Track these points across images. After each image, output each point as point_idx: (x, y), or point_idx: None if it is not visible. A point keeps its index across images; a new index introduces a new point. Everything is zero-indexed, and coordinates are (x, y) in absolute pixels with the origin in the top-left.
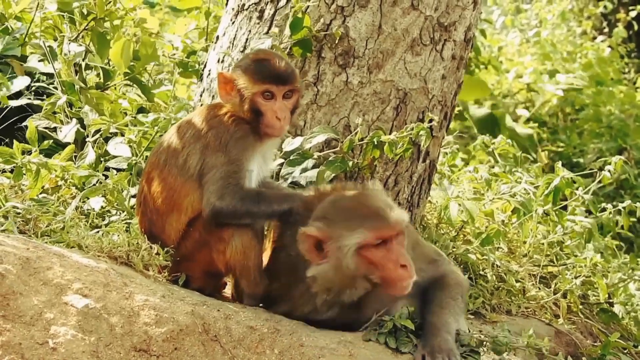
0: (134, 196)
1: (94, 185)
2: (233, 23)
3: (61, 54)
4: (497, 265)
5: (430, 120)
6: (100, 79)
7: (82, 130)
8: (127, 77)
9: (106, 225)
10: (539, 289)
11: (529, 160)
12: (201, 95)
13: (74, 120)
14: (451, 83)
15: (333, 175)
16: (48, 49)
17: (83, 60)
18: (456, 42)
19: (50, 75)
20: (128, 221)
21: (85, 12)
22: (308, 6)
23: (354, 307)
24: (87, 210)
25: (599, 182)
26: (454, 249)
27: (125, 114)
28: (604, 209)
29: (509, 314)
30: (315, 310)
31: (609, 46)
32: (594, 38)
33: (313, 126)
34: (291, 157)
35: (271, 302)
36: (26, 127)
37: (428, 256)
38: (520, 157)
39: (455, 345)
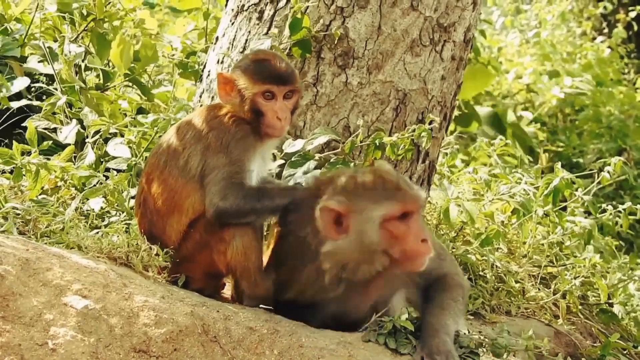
0: (133, 197)
1: (94, 186)
2: (232, 24)
3: (61, 55)
4: (496, 265)
5: (431, 122)
6: (100, 80)
7: (81, 131)
8: (126, 78)
9: (106, 226)
10: (539, 289)
11: (529, 161)
12: (201, 96)
13: (74, 121)
14: (451, 84)
15: None
16: (48, 49)
17: (83, 61)
18: (456, 43)
19: (50, 76)
20: (128, 222)
21: (85, 13)
22: (307, 7)
23: (360, 286)
24: (87, 211)
25: (599, 183)
26: (454, 250)
27: (125, 114)
28: (603, 210)
29: (509, 314)
30: (323, 289)
31: (609, 47)
32: (594, 39)
33: (312, 127)
34: (292, 159)
35: (278, 291)
36: (26, 128)
37: (432, 261)
38: (520, 157)
39: (454, 346)
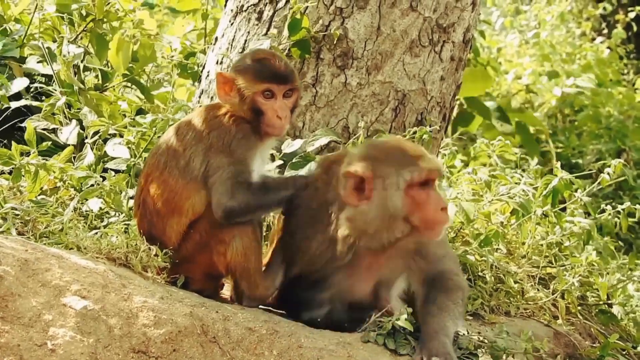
0: (132, 197)
1: (93, 186)
2: (232, 24)
3: (60, 55)
4: (495, 266)
5: (431, 125)
6: (99, 80)
7: (81, 131)
8: (126, 79)
9: (105, 226)
10: (538, 290)
11: (527, 161)
12: (200, 97)
13: (74, 121)
14: (450, 84)
15: None
16: (47, 50)
17: (82, 61)
18: (455, 44)
19: (49, 77)
20: (127, 222)
21: (84, 14)
22: (307, 7)
23: (367, 261)
24: (86, 211)
25: (598, 183)
26: (453, 250)
27: (124, 115)
28: (602, 211)
29: (508, 315)
30: (332, 259)
31: (608, 47)
32: (593, 39)
33: (312, 127)
34: (294, 160)
35: (285, 268)
36: (25, 128)
37: (438, 249)
38: (519, 157)
39: (453, 348)
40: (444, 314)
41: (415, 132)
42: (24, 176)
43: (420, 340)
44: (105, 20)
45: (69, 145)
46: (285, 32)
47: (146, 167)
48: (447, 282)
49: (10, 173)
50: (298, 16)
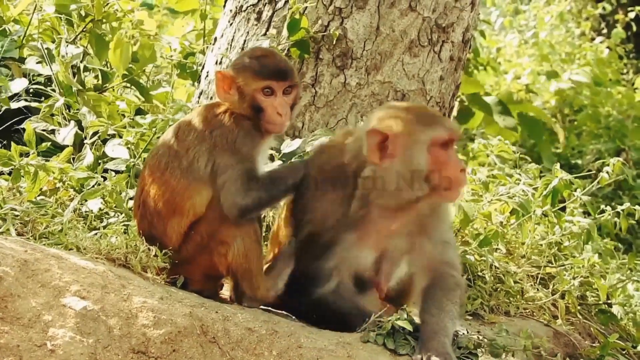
0: (132, 198)
1: (92, 187)
2: (231, 24)
3: (59, 56)
4: (495, 266)
5: None
6: (98, 81)
7: (80, 132)
8: (125, 79)
9: (104, 227)
10: (538, 290)
11: (527, 161)
12: (199, 97)
13: (72, 122)
14: (449, 84)
15: None
16: (46, 51)
17: (81, 62)
18: (454, 44)
19: (48, 78)
20: (126, 223)
21: (83, 14)
22: (306, 7)
23: (377, 226)
24: (85, 212)
25: (598, 183)
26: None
27: (123, 115)
28: (602, 211)
29: (508, 315)
30: (346, 215)
31: (608, 47)
32: (593, 39)
33: (311, 128)
34: (293, 160)
35: (296, 230)
36: (24, 129)
37: (444, 233)
38: (517, 158)
39: (452, 348)
40: (443, 314)
41: None
42: (23, 177)
43: (419, 340)
44: (104, 20)
45: (67, 146)
46: (285, 33)
47: (146, 168)
48: (447, 280)
49: (9, 174)
50: (297, 16)
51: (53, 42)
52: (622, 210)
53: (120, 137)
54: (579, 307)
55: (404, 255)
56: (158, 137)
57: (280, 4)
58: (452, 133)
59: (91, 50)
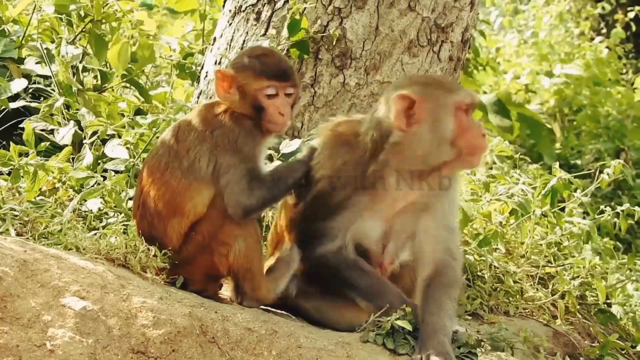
0: (131, 198)
1: (92, 187)
2: (230, 25)
3: (58, 56)
4: (495, 266)
5: None
6: (97, 81)
7: (79, 132)
8: (124, 79)
9: (104, 227)
10: (537, 290)
11: (527, 162)
12: (198, 97)
13: (71, 122)
14: None
15: None
16: (45, 51)
17: (80, 62)
18: (453, 44)
19: (47, 78)
20: (126, 223)
21: (83, 14)
22: (305, 8)
23: (388, 200)
24: (85, 212)
25: (597, 184)
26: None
27: (123, 115)
28: (602, 211)
29: (507, 314)
30: (362, 176)
31: (607, 47)
32: (592, 39)
33: (310, 128)
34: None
35: (306, 184)
36: (23, 129)
37: (450, 218)
38: (517, 158)
39: (452, 347)
40: (442, 313)
41: None
42: (22, 177)
43: (419, 339)
44: (103, 21)
45: (67, 146)
46: (284, 33)
47: (145, 168)
48: (448, 273)
49: (9, 174)
50: (297, 17)
51: (52, 42)
52: (622, 211)
53: (120, 137)
54: (578, 307)
55: (409, 238)
56: (157, 137)
57: (279, 4)
58: (473, 98)
59: (90, 50)
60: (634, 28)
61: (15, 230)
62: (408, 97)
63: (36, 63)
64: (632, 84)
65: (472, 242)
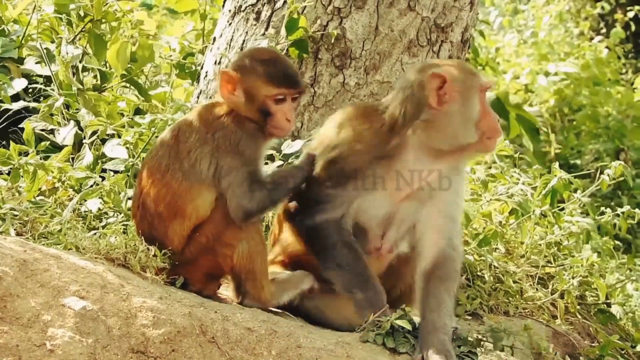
0: (130, 198)
1: (91, 187)
2: (230, 24)
3: (58, 56)
4: (494, 266)
5: None
6: (97, 81)
7: (79, 132)
8: (124, 79)
9: (103, 227)
10: (537, 289)
11: (526, 161)
12: (198, 97)
13: (72, 122)
14: None
15: None
16: (45, 51)
17: (80, 62)
18: (453, 43)
19: (47, 78)
20: (125, 223)
21: (82, 14)
22: (305, 7)
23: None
24: (85, 212)
25: (597, 185)
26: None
27: (122, 115)
28: (602, 213)
29: (507, 314)
30: (380, 146)
31: (607, 47)
32: (591, 39)
33: (310, 128)
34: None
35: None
36: (23, 129)
37: (455, 213)
38: (517, 158)
39: (452, 345)
40: (442, 310)
41: None
42: (22, 176)
43: (419, 338)
44: (103, 20)
45: (66, 145)
46: (283, 32)
47: (145, 169)
48: (448, 267)
49: (8, 173)
50: (295, 16)
51: (52, 42)
52: (622, 212)
53: (119, 137)
54: (578, 307)
55: (409, 229)
56: (157, 137)
57: (279, 4)
58: (490, 83)
59: (90, 50)
60: (633, 28)
61: (15, 230)
62: (441, 76)
63: (36, 63)
64: (632, 84)
65: (471, 242)
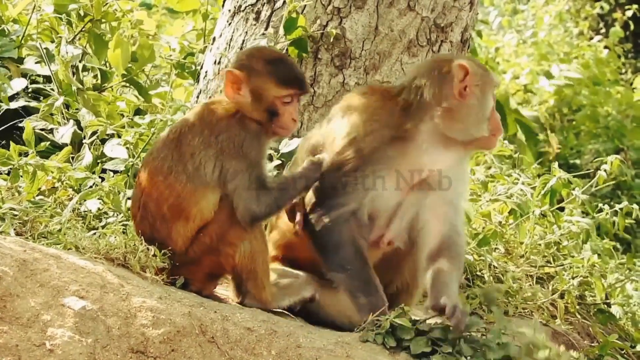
0: (130, 198)
1: (91, 187)
2: (230, 24)
3: (58, 56)
4: (494, 266)
5: None
6: (97, 81)
7: (79, 132)
8: (124, 79)
9: (103, 227)
10: (536, 289)
11: (525, 161)
12: (198, 97)
13: (71, 121)
14: None
15: None
16: (45, 50)
17: (80, 61)
18: (452, 43)
19: (47, 77)
20: (125, 223)
21: (82, 14)
22: (304, 7)
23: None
24: (84, 212)
25: (596, 183)
26: None
27: (122, 115)
28: (600, 210)
29: (506, 314)
30: (396, 128)
31: (606, 47)
32: (591, 38)
33: (309, 128)
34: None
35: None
36: (22, 129)
37: (459, 202)
38: (517, 158)
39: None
40: (453, 271)
41: None
42: (22, 176)
43: (431, 290)
44: (103, 20)
45: (66, 145)
46: (283, 32)
47: (146, 171)
48: (453, 249)
49: (8, 173)
50: (294, 15)
51: (52, 42)
52: (620, 209)
53: (119, 137)
54: (577, 307)
55: (411, 221)
56: (157, 137)
57: (278, 4)
58: (499, 81)
59: (90, 50)
60: (632, 27)
61: (14, 229)
62: (466, 68)
63: (36, 63)
64: (631, 83)
65: (471, 242)
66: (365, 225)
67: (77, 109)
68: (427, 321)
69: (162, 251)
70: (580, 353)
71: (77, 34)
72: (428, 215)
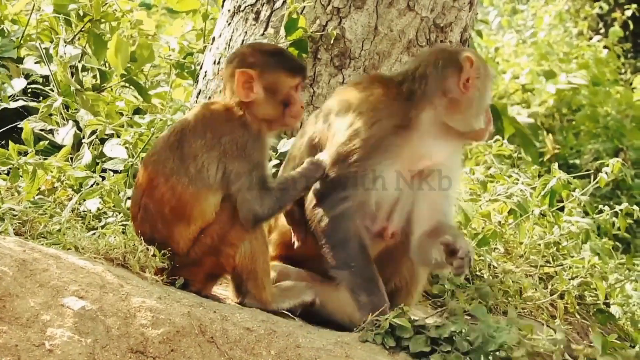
0: (129, 198)
1: (91, 187)
2: (229, 24)
3: (57, 56)
4: (493, 266)
5: None
6: (96, 81)
7: (78, 132)
8: (123, 79)
9: (102, 227)
10: (536, 289)
11: (525, 161)
12: (197, 97)
13: (71, 122)
14: None
15: None
16: (44, 51)
17: (79, 62)
18: (452, 43)
19: (46, 77)
20: (124, 223)
21: (82, 14)
22: (304, 7)
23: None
24: (84, 212)
25: (596, 183)
26: None
27: (122, 114)
28: (600, 211)
29: (506, 314)
30: (400, 114)
31: (605, 47)
32: (591, 38)
33: None
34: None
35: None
36: (21, 129)
37: (450, 192)
38: (515, 158)
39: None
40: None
41: None
42: (21, 176)
43: (454, 241)
44: (102, 20)
45: (65, 146)
46: (282, 32)
47: (147, 171)
48: (444, 231)
49: (7, 173)
50: (294, 16)
51: (51, 42)
52: (620, 210)
53: (119, 136)
54: (577, 307)
55: (410, 210)
56: (156, 137)
57: (278, 4)
58: (494, 75)
59: (89, 50)
60: (631, 27)
61: (14, 229)
62: (472, 60)
63: (35, 63)
64: (631, 83)
65: (471, 242)
66: (372, 216)
67: (76, 109)
68: (427, 321)
69: (162, 251)
70: (580, 353)
71: (76, 34)
72: (422, 204)
